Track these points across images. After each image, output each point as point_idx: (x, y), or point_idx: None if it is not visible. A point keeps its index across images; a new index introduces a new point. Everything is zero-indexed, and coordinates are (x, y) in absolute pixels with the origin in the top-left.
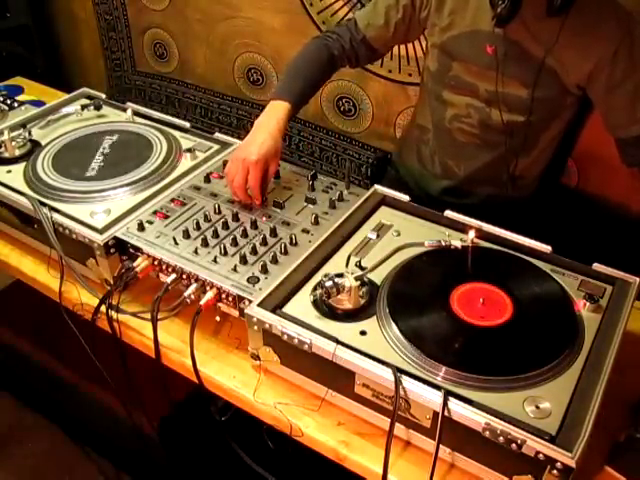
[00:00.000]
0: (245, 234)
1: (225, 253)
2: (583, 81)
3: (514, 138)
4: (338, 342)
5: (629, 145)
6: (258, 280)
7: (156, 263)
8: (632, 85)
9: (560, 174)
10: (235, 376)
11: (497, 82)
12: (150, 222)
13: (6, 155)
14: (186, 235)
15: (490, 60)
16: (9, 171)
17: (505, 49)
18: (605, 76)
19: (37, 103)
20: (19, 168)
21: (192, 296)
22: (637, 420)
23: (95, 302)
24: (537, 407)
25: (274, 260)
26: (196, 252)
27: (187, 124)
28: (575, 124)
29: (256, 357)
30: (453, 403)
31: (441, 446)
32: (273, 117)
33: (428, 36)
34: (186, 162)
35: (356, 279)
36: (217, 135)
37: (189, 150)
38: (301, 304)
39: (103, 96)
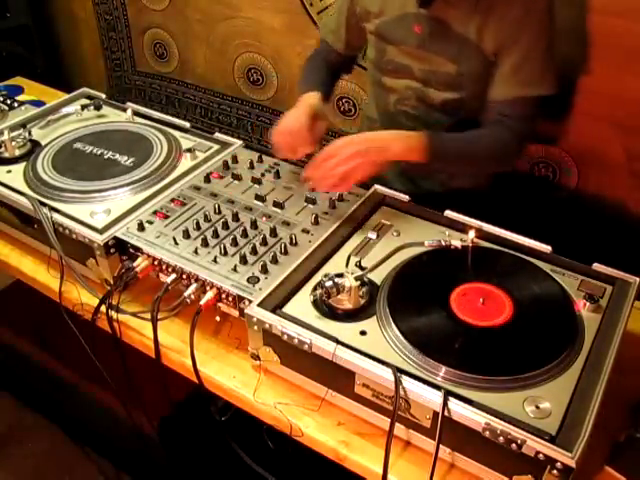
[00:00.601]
0: (245, 234)
1: (225, 253)
2: (497, 49)
3: (453, 116)
4: (338, 342)
5: (502, 105)
6: (258, 280)
7: (156, 263)
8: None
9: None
10: (235, 376)
11: (426, 60)
12: (150, 222)
13: (6, 155)
14: (186, 235)
15: (419, 39)
16: (9, 171)
17: (430, 27)
18: (513, 42)
19: (37, 103)
20: (19, 168)
21: (192, 296)
22: (637, 420)
23: (95, 302)
24: (537, 407)
25: (274, 260)
26: (196, 252)
27: (187, 124)
28: None
29: (256, 357)
30: (453, 403)
31: (441, 446)
32: (305, 99)
33: (365, 24)
34: (186, 162)
35: (356, 279)
36: (217, 135)
37: (189, 150)
38: (301, 304)
39: (103, 96)
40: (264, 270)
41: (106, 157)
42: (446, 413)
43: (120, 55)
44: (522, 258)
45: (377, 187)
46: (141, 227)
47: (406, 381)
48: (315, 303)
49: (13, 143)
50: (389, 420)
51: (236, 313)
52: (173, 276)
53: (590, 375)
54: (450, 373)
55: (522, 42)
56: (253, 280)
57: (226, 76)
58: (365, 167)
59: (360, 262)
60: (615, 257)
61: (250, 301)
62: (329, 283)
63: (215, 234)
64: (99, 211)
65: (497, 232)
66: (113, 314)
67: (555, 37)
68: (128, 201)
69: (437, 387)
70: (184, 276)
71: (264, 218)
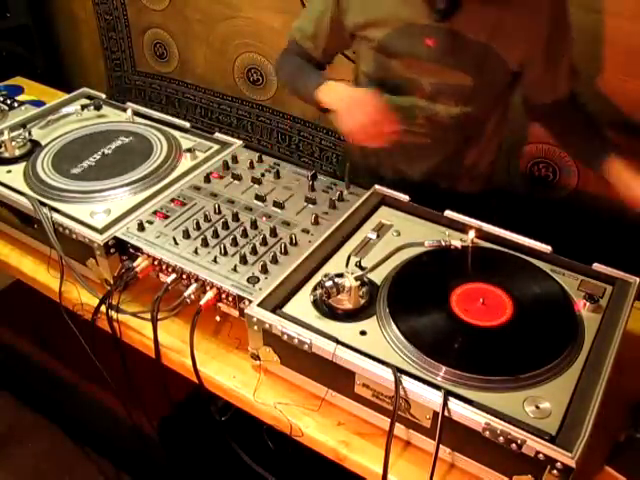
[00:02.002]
0: (245, 234)
1: (225, 253)
2: (525, 59)
3: (463, 131)
4: (338, 342)
5: (546, 107)
6: (258, 280)
7: (156, 263)
8: (555, 53)
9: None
10: (235, 376)
11: (438, 74)
12: (150, 222)
13: (6, 155)
14: (186, 235)
15: (431, 53)
16: (9, 171)
17: (445, 40)
18: (540, 51)
19: (37, 103)
20: (19, 168)
21: (192, 296)
22: (637, 420)
23: (95, 302)
24: (537, 407)
25: (274, 260)
26: (196, 252)
27: (187, 124)
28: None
29: (256, 357)
30: (453, 403)
31: (441, 446)
32: (336, 86)
33: (362, 38)
34: (186, 162)
35: (356, 279)
36: (217, 135)
37: (189, 150)
38: (301, 304)
39: (103, 96)
40: (264, 270)
41: (106, 157)
42: (446, 413)
43: (120, 55)
44: (522, 258)
45: (377, 187)
46: (141, 227)
47: (406, 381)
48: (315, 303)
49: (13, 143)
50: (389, 420)
51: (236, 313)
52: (173, 276)
53: (590, 375)
54: (450, 373)
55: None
56: (253, 280)
57: (226, 76)
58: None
59: (360, 262)
60: (615, 257)
61: (250, 301)
62: (329, 283)
63: (215, 234)
64: (99, 211)
65: (497, 232)
66: (113, 314)
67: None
68: (128, 201)
69: (437, 387)
70: (184, 276)
71: (264, 218)
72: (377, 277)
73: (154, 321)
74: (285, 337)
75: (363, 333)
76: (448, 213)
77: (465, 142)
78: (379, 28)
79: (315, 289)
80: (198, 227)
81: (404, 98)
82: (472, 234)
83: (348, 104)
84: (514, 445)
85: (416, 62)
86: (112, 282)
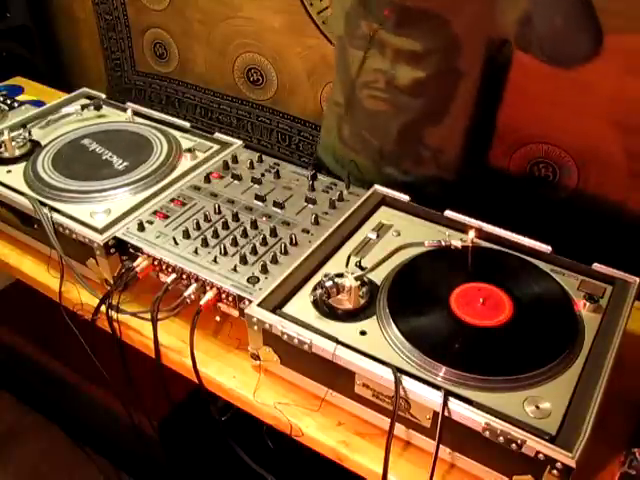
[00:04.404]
0: (245, 234)
1: (225, 253)
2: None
3: (420, 98)
4: (338, 342)
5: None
6: (258, 280)
7: (156, 263)
8: None
9: (484, 153)
10: (235, 376)
11: (395, 40)
12: (150, 222)
13: (6, 155)
14: (186, 235)
15: (388, 20)
16: (9, 171)
17: (400, 9)
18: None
19: (37, 103)
20: (19, 168)
21: (192, 296)
22: (628, 457)
23: (95, 302)
24: (537, 407)
25: (274, 260)
26: (196, 252)
27: (187, 124)
28: (488, 95)
29: (256, 357)
30: (453, 403)
31: (441, 446)
32: None
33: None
34: (186, 162)
35: (356, 279)
36: (217, 135)
37: (189, 150)
38: (301, 304)
39: (103, 96)
40: (264, 270)
41: (106, 157)
42: (446, 413)
43: (120, 55)
44: (522, 258)
45: (377, 187)
46: (141, 227)
47: (406, 381)
48: (315, 303)
49: (13, 143)
50: (389, 420)
51: (236, 313)
52: (173, 276)
53: (590, 375)
54: (450, 373)
55: None
56: (253, 280)
57: (226, 76)
58: None
59: (360, 262)
60: (615, 257)
61: (250, 301)
62: (329, 283)
63: (215, 234)
64: (99, 211)
65: (497, 232)
66: (113, 314)
67: None
68: (128, 201)
69: (437, 387)
70: (184, 276)
71: (264, 218)
72: (377, 277)
73: (154, 321)
74: (285, 337)
75: (363, 333)
76: (448, 213)
77: (426, 116)
78: None
79: (315, 289)
80: (198, 227)
81: (368, 60)
82: (472, 234)
83: None
84: (514, 445)
85: (378, 27)
86: (112, 282)
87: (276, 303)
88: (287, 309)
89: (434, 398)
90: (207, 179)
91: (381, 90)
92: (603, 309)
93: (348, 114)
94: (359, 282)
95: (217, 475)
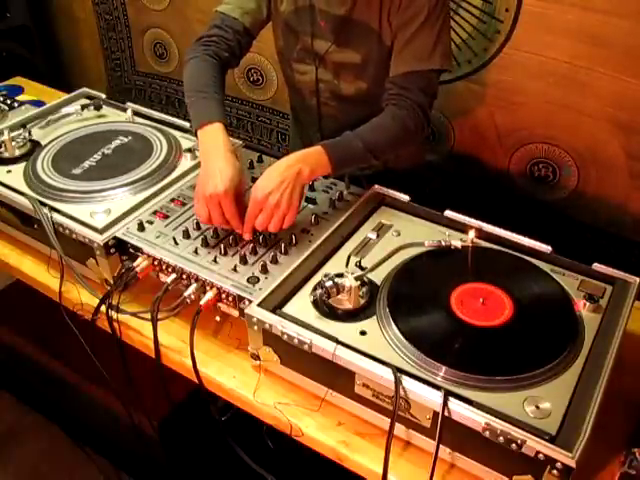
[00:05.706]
0: None
1: (225, 253)
2: (394, 34)
3: (366, 106)
4: (338, 342)
5: (399, 79)
6: (258, 280)
7: (156, 263)
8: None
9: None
10: (235, 376)
11: (334, 52)
12: (150, 222)
13: (6, 155)
14: (186, 235)
15: (325, 33)
16: (9, 171)
17: (336, 23)
18: (403, 23)
19: (37, 103)
20: (19, 168)
21: (192, 296)
22: (627, 457)
23: (95, 302)
24: (537, 407)
25: (274, 260)
26: (196, 252)
27: (187, 124)
28: None
29: (256, 357)
30: (453, 403)
31: (441, 446)
32: (215, 141)
33: (273, 12)
34: (186, 162)
35: (356, 279)
36: None
37: (189, 150)
38: (301, 304)
39: (103, 96)
40: (264, 270)
41: (106, 157)
42: (446, 413)
43: (120, 55)
44: (522, 258)
45: (377, 187)
46: (141, 227)
47: (406, 381)
48: (315, 303)
49: (13, 143)
50: (389, 420)
51: (236, 313)
52: (173, 276)
53: (590, 375)
54: (450, 373)
55: (414, 21)
56: (253, 280)
57: (226, 76)
58: (291, 201)
59: (360, 262)
60: (615, 257)
61: (250, 301)
62: (329, 283)
63: (215, 234)
64: (99, 211)
65: (497, 232)
66: (113, 314)
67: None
68: (128, 201)
69: (437, 387)
70: (184, 276)
71: None
72: (377, 277)
73: (154, 321)
74: (285, 337)
75: (363, 333)
76: (448, 213)
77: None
78: (289, 5)
79: (315, 289)
80: (198, 227)
81: (311, 72)
82: (472, 234)
83: (207, 173)
84: (514, 445)
85: (315, 40)
86: (112, 282)
87: (276, 303)
88: (287, 309)
89: (434, 398)
90: None
91: (328, 98)
92: (603, 309)
93: (310, 129)
94: (359, 282)
95: (217, 475)
